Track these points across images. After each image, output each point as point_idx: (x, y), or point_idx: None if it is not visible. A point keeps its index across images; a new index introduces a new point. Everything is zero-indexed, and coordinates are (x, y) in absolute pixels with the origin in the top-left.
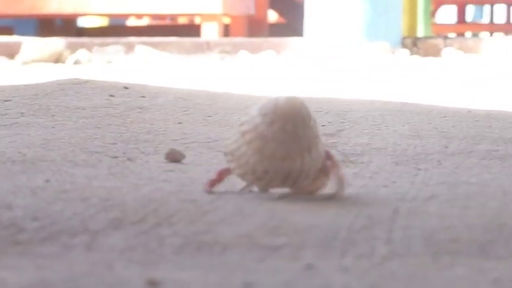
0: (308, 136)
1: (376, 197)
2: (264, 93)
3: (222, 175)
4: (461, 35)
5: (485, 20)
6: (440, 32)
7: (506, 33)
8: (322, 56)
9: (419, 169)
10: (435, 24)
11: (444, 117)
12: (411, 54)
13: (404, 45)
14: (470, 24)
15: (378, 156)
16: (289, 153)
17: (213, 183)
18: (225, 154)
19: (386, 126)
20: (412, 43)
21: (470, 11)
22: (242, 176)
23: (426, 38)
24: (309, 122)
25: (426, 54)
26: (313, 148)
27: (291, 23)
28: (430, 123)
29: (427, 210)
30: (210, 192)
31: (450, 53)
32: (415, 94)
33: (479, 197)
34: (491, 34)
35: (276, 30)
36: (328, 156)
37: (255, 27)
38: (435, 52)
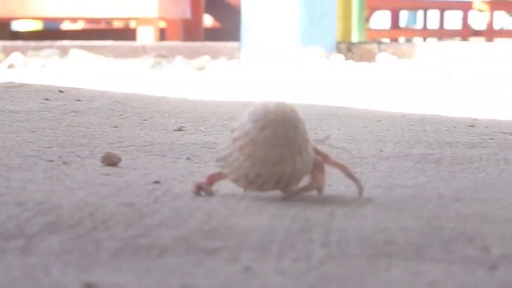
0: (298, 140)
1: (312, 200)
2: (199, 97)
3: (211, 180)
4: (395, 40)
5: (419, 25)
6: (375, 37)
7: (440, 38)
8: (258, 61)
9: (355, 173)
10: (369, 30)
11: (379, 121)
12: (346, 59)
13: (339, 51)
14: (404, 30)
15: None
16: (281, 158)
17: (201, 186)
18: (217, 160)
19: (322, 130)
20: (347, 48)
21: (403, 16)
22: (236, 181)
23: (360, 43)
24: (298, 126)
25: (361, 59)
26: (304, 151)
27: (227, 28)
28: (365, 127)
29: (363, 213)
30: (197, 194)
31: (384, 58)
32: (350, 98)
33: (415, 200)
34: (424, 39)
35: (212, 35)
36: (318, 153)
37: (191, 31)
38: (369, 57)
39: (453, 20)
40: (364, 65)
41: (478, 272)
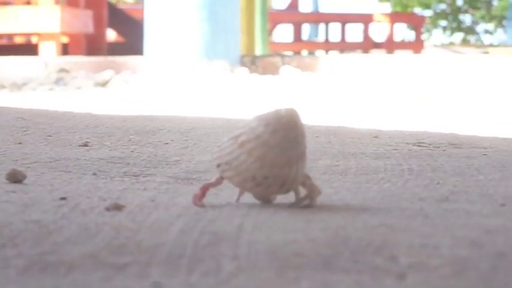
0: (303, 145)
1: (221, 213)
2: (104, 112)
3: (204, 190)
4: (298, 53)
5: (321, 38)
6: (278, 50)
7: (341, 51)
8: (162, 75)
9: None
10: (273, 43)
11: None
12: (250, 72)
13: (243, 64)
14: (307, 43)
15: None
16: (288, 161)
17: (199, 198)
18: (218, 165)
19: None
20: (251, 61)
21: (306, 29)
22: (241, 184)
23: (264, 56)
24: (304, 132)
25: (265, 72)
26: (304, 156)
27: (131, 42)
28: None
29: (271, 226)
30: (201, 205)
31: (288, 71)
32: (255, 112)
33: (322, 212)
34: (326, 52)
35: (116, 49)
36: None
37: (94, 46)
38: (273, 70)
39: (354, 32)
40: (268, 78)
41: (387, 281)
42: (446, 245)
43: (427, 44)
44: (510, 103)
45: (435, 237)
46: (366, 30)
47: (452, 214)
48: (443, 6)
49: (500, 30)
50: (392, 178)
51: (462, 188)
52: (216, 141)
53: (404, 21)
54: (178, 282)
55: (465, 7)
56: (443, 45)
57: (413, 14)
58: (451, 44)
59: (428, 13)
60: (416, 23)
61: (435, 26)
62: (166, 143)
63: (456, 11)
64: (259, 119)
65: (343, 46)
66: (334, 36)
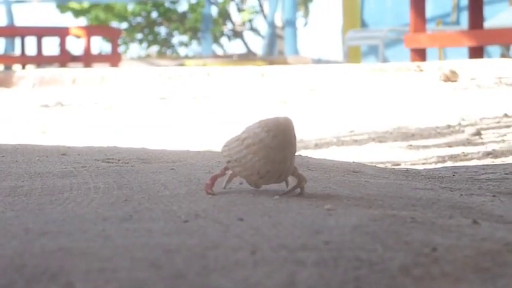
0: (295, 145)
1: None
2: None
3: (213, 180)
4: None
5: (17, 52)
6: None
7: (38, 64)
8: None
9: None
10: None
11: None
12: None
13: None
14: (2, 57)
15: None
16: (285, 158)
17: (210, 187)
18: (229, 162)
19: None
20: None
21: (1, 43)
22: (247, 177)
23: None
24: (295, 135)
25: None
26: (294, 153)
27: None
28: None
29: None
30: (211, 193)
31: None
32: None
33: (0, 238)
34: (23, 66)
35: None
36: None
37: None
38: None
39: (51, 46)
40: None
41: None
42: (125, 268)
43: (124, 57)
44: (203, 115)
45: (114, 260)
46: (62, 44)
47: (134, 234)
48: (139, 19)
49: (195, 42)
50: (77, 198)
51: (147, 205)
52: None
53: (100, 34)
54: None
55: (160, 19)
56: (140, 58)
57: (109, 27)
58: (148, 56)
59: (124, 26)
60: (112, 36)
61: (132, 38)
62: None
63: (152, 23)
64: (261, 126)
65: (41, 60)
66: (31, 49)
